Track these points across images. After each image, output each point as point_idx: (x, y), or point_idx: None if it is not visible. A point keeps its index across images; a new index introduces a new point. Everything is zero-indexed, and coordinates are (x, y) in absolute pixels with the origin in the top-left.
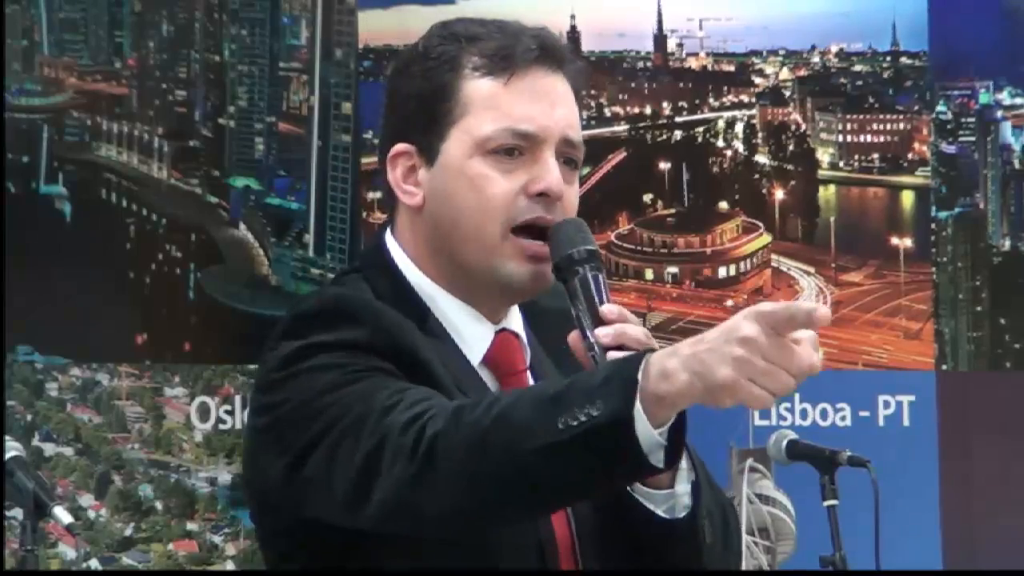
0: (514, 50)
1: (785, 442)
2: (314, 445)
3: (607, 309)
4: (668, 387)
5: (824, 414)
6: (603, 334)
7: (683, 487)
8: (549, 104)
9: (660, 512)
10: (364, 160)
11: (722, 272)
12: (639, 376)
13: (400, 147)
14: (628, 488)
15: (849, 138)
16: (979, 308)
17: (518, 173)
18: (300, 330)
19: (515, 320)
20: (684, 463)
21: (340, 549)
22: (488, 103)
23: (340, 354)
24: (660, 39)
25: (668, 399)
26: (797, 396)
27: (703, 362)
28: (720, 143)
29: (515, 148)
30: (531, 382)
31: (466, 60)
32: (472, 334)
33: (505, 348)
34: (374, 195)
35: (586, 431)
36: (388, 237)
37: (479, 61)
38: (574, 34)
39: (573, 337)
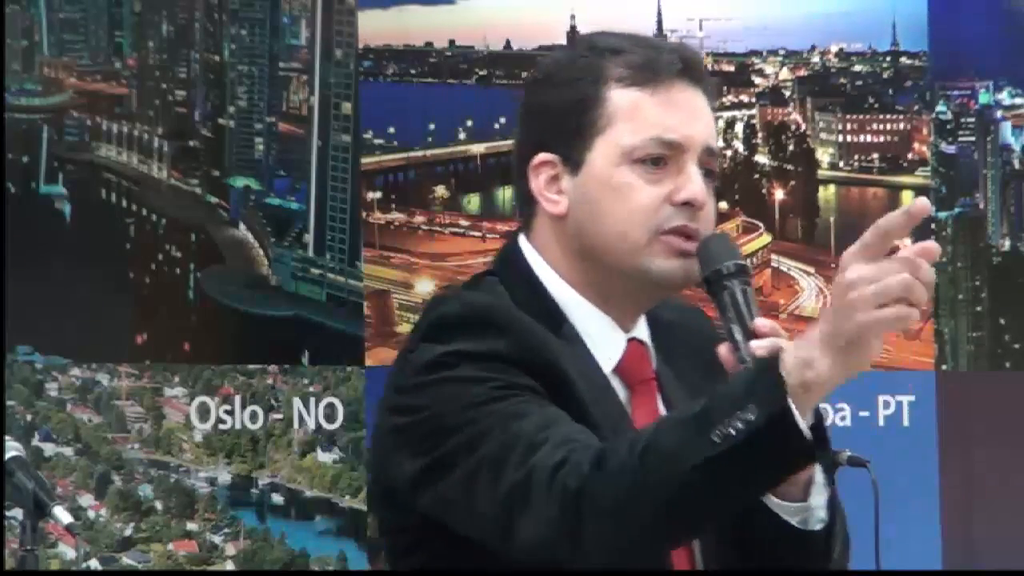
0: (658, 62)
1: None
2: (452, 463)
3: (760, 323)
4: (813, 374)
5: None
6: (757, 347)
7: (818, 500)
8: (692, 115)
9: (794, 523)
10: (364, 160)
11: None
12: (782, 372)
13: (543, 156)
14: (762, 499)
15: (849, 138)
16: (979, 308)
17: (663, 182)
18: (443, 335)
19: (643, 329)
20: (819, 476)
21: (462, 550)
22: (634, 113)
23: (484, 366)
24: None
25: (815, 387)
26: None
27: (834, 332)
28: (720, 143)
29: (660, 157)
30: (657, 392)
31: (611, 71)
32: (606, 342)
33: (636, 356)
34: (374, 195)
35: (747, 438)
36: (524, 242)
37: (624, 72)
38: (574, 34)
39: (724, 350)
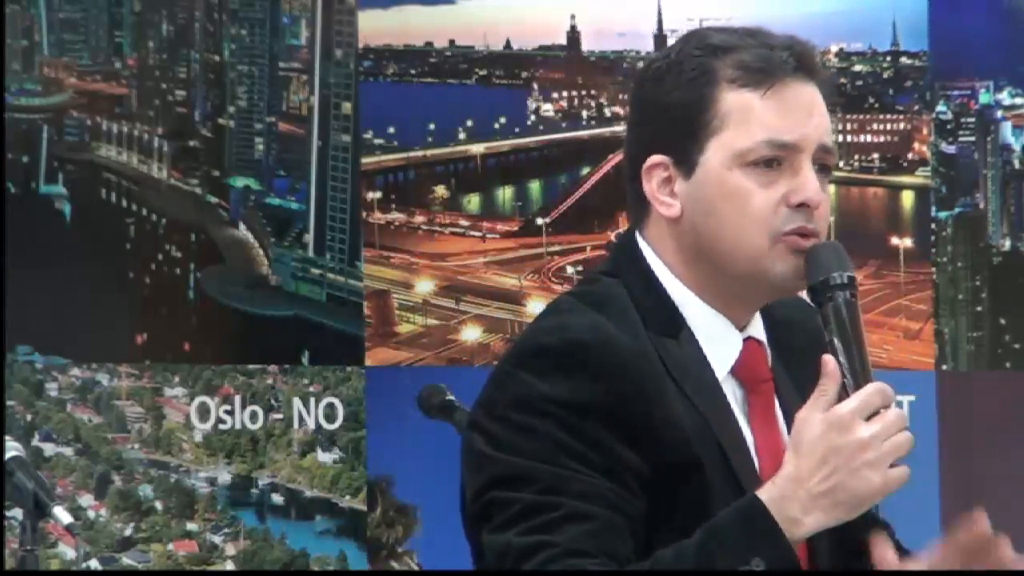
0: (771, 61)
1: None
2: (500, 508)
3: (826, 360)
4: (803, 532)
5: None
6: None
7: None
8: (806, 113)
9: None
10: (364, 160)
11: None
12: (778, 526)
13: (656, 158)
14: None
15: (849, 138)
16: (979, 308)
17: (778, 184)
18: (539, 368)
19: (759, 327)
20: None
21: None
22: (747, 115)
23: (570, 422)
24: (660, 39)
25: (800, 539)
26: None
27: (839, 489)
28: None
29: (774, 159)
30: (774, 393)
31: (723, 72)
32: (722, 343)
33: (752, 356)
34: (374, 195)
35: None
36: (641, 241)
37: (736, 73)
38: (574, 34)
39: (828, 359)
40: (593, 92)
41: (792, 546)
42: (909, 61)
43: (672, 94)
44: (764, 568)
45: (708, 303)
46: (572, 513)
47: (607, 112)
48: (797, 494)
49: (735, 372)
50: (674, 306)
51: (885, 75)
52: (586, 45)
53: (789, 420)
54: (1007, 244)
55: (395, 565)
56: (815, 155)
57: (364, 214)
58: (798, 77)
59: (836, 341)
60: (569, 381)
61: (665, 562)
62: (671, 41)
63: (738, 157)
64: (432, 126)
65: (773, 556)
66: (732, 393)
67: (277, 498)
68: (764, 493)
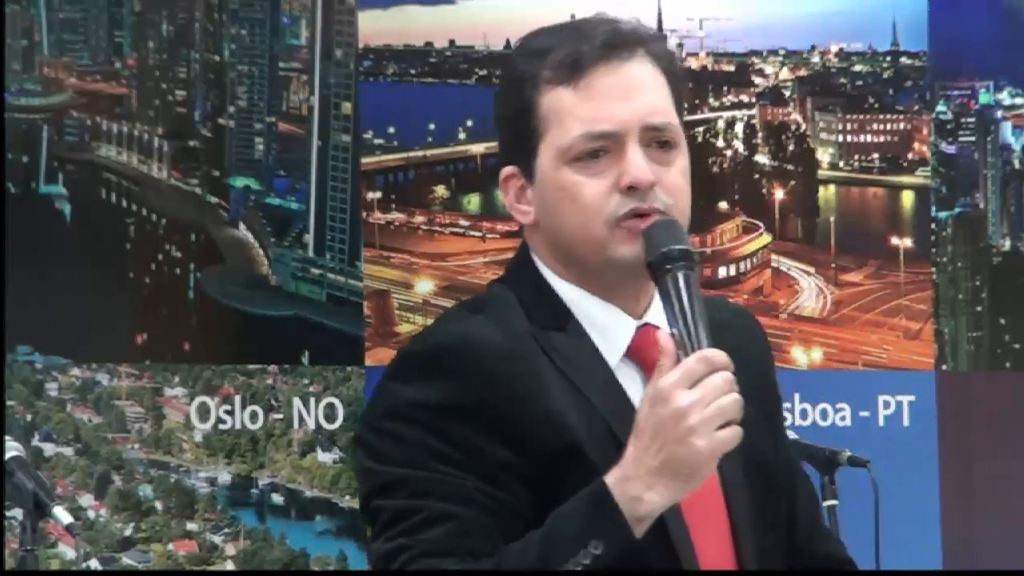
0: (579, 53)
1: None
2: (376, 516)
3: (663, 338)
4: (646, 509)
5: (824, 414)
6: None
7: None
8: (622, 97)
9: None
10: (364, 160)
11: (722, 272)
12: (619, 506)
13: (507, 170)
14: None
15: (849, 138)
16: (979, 308)
17: (607, 172)
18: (405, 374)
19: (658, 313)
20: None
21: None
22: (563, 112)
23: (434, 425)
24: None
25: (648, 517)
26: (797, 396)
27: (670, 462)
28: (720, 143)
29: (598, 150)
30: None
31: (541, 74)
32: (614, 331)
33: (648, 341)
34: (374, 195)
35: (596, 570)
36: (529, 246)
37: (550, 73)
38: None
39: (663, 334)
40: None
41: (630, 526)
42: (909, 61)
43: (506, 106)
44: (602, 551)
45: (593, 294)
46: (435, 515)
47: None
48: (637, 472)
49: (632, 357)
50: (560, 301)
51: (885, 75)
52: None
53: None
54: (1007, 244)
55: None
56: (643, 135)
57: (364, 214)
58: (612, 60)
59: (670, 314)
60: (432, 385)
61: (513, 551)
62: (671, 41)
63: (562, 155)
64: (432, 126)
65: (612, 538)
66: (631, 378)
67: (277, 498)
68: (610, 476)
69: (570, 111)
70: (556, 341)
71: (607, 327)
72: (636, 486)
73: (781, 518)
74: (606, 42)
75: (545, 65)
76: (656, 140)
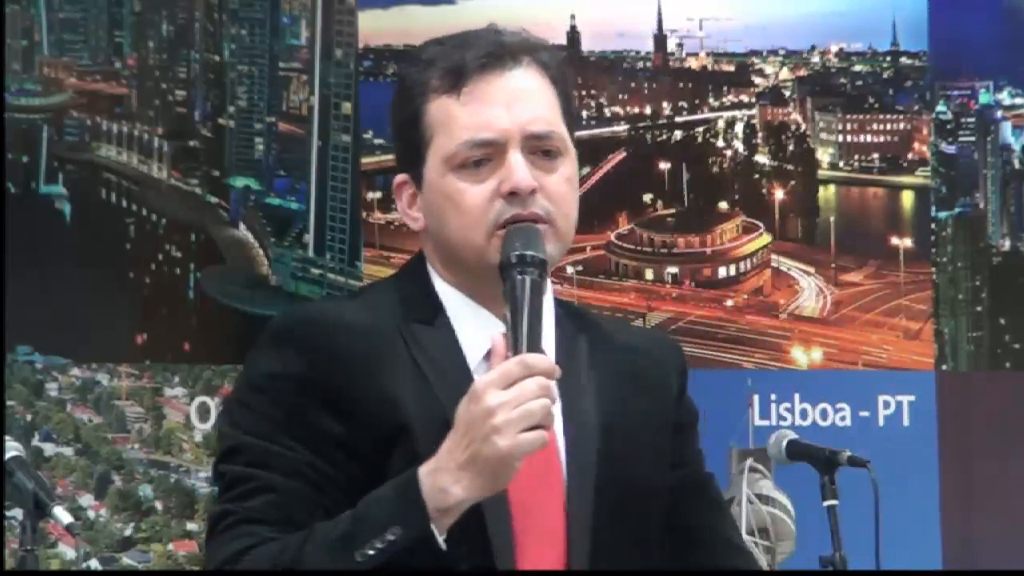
0: (464, 62)
1: (785, 442)
2: (218, 479)
3: (496, 340)
4: (452, 501)
5: (824, 414)
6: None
7: None
8: (504, 105)
9: None
10: (364, 160)
11: (722, 272)
12: (423, 496)
13: (399, 178)
14: None
15: (849, 138)
16: (979, 308)
17: (489, 179)
18: (260, 346)
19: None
20: None
21: None
22: (447, 121)
23: (274, 395)
24: (660, 39)
25: (454, 509)
26: (797, 396)
27: (474, 458)
28: (720, 143)
29: (480, 158)
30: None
31: (429, 83)
32: (480, 332)
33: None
34: (374, 195)
35: (390, 557)
36: (424, 248)
37: (437, 82)
38: (574, 34)
39: (496, 336)
40: (593, 92)
41: (430, 517)
42: (909, 61)
43: (397, 115)
44: (399, 536)
45: (471, 297)
46: (263, 485)
47: (607, 112)
48: (447, 465)
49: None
50: (437, 300)
51: (885, 75)
52: (586, 45)
53: (574, 418)
54: (1007, 244)
55: None
56: (525, 144)
57: (364, 214)
58: (495, 69)
59: (507, 316)
60: (281, 357)
61: (323, 527)
62: (671, 41)
63: (447, 162)
64: None
65: (411, 526)
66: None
67: None
68: (425, 465)
69: (454, 119)
70: (420, 334)
71: (475, 328)
72: (444, 478)
73: (650, 542)
74: (490, 52)
75: (432, 74)
76: (540, 148)
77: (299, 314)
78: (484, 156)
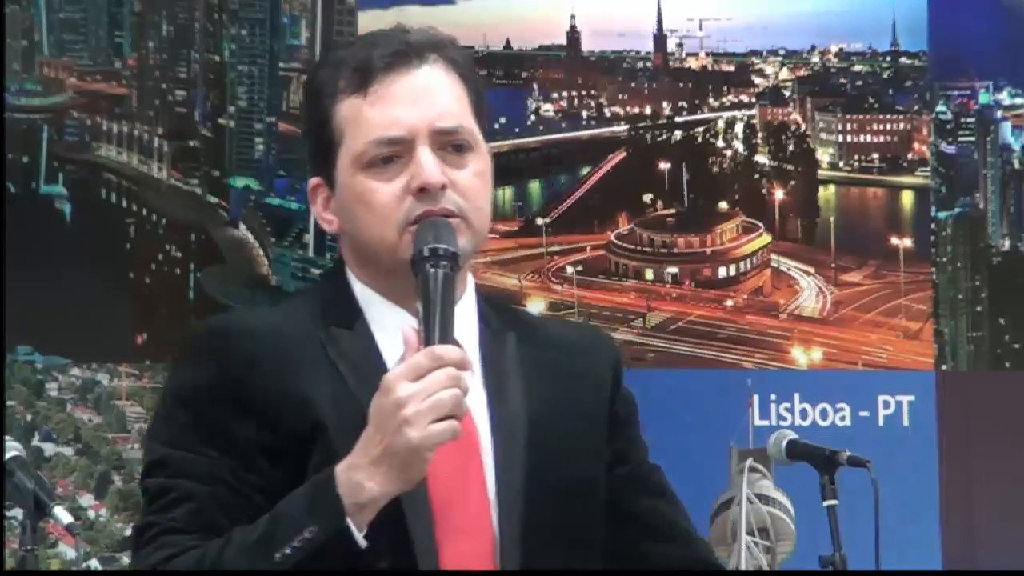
0: (369, 61)
1: (785, 442)
2: (144, 494)
3: (406, 332)
4: (367, 496)
5: (824, 414)
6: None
7: None
8: (410, 102)
9: None
10: None
11: (722, 272)
12: (339, 492)
13: (313, 181)
14: None
15: (849, 138)
16: (979, 308)
17: (399, 177)
18: (181, 356)
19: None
20: None
21: None
22: (355, 121)
23: (191, 405)
24: (660, 39)
25: (371, 504)
26: (797, 396)
27: (387, 452)
28: (720, 143)
29: (389, 155)
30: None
31: (336, 84)
32: (397, 331)
33: None
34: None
35: (308, 555)
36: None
37: (344, 82)
38: (574, 34)
39: (407, 329)
40: (593, 92)
41: (345, 513)
42: (909, 61)
43: (308, 118)
44: (315, 534)
45: (386, 297)
46: (184, 494)
47: (607, 112)
48: (362, 461)
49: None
50: (355, 302)
51: (885, 75)
52: (586, 45)
53: (499, 414)
54: (1007, 244)
55: None
56: (434, 139)
57: None
58: (400, 67)
59: (419, 310)
60: (197, 367)
61: (244, 530)
62: (671, 41)
63: (356, 162)
64: None
65: (327, 523)
66: None
67: None
68: (342, 462)
69: (362, 119)
70: (338, 336)
71: (393, 328)
72: (359, 474)
73: (587, 535)
74: (396, 50)
75: (340, 76)
76: (450, 144)
77: (214, 325)
78: (393, 154)
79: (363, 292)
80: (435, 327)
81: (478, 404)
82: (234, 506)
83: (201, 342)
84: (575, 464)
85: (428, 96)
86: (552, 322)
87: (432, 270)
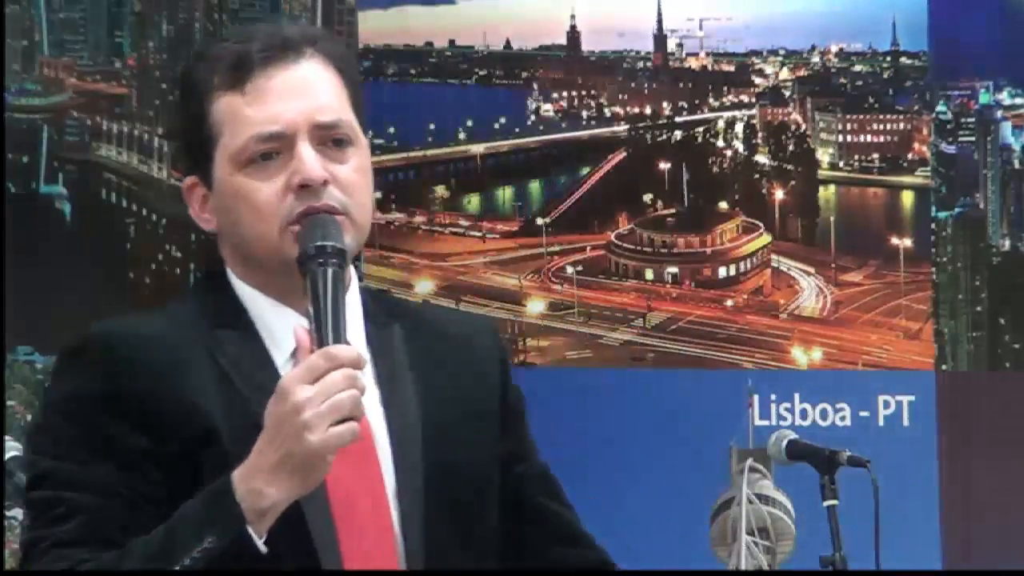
0: (245, 57)
1: (785, 442)
2: (29, 509)
3: (298, 332)
4: (268, 503)
5: (824, 414)
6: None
7: None
8: (289, 98)
9: None
10: None
11: (722, 272)
12: (237, 500)
13: (188, 180)
14: None
15: (849, 138)
16: (979, 308)
17: (279, 174)
18: (59, 366)
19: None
20: None
21: None
22: (233, 118)
23: (74, 415)
24: (660, 39)
25: (271, 511)
26: (797, 396)
27: (286, 457)
28: (720, 143)
29: (269, 152)
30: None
31: (212, 81)
32: (284, 332)
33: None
34: (374, 195)
35: (209, 563)
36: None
37: (219, 79)
38: (574, 34)
39: (298, 329)
40: (593, 92)
41: (246, 520)
42: (909, 61)
43: (181, 116)
44: (215, 544)
45: (270, 296)
46: (73, 507)
47: (607, 112)
48: (260, 467)
49: (302, 359)
50: (238, 303)
51: (885, 75)
52: (586, 45)
53: (395, 412)
54: (1007, 244)
55: None
56: (314, 135)
57: None
58: (278, 62)
59: (309, 310)
60: (78, 377)
61: (141, 542)
62: (671, 41)
63: (234, 159)
64: (432, 126)
65: (227, 531)
66: None
67: None
68: (239, 469)
69: (239, 116)
70: (224, 339)
71: (279, 328)
72: (258, 480)
73: (486, 531)
74: (270, 44)
75: (214, 72)
76: (330, 138)
77: (96, 332)
78: (272, 150)
79: (246, 293)
80: (328, 326)
81: (371, 401)
82: (126, 517)
83: (81, 350)
84: (472, 460)
85: (306, 91)
86: (434, 310)
87: (321, 268)
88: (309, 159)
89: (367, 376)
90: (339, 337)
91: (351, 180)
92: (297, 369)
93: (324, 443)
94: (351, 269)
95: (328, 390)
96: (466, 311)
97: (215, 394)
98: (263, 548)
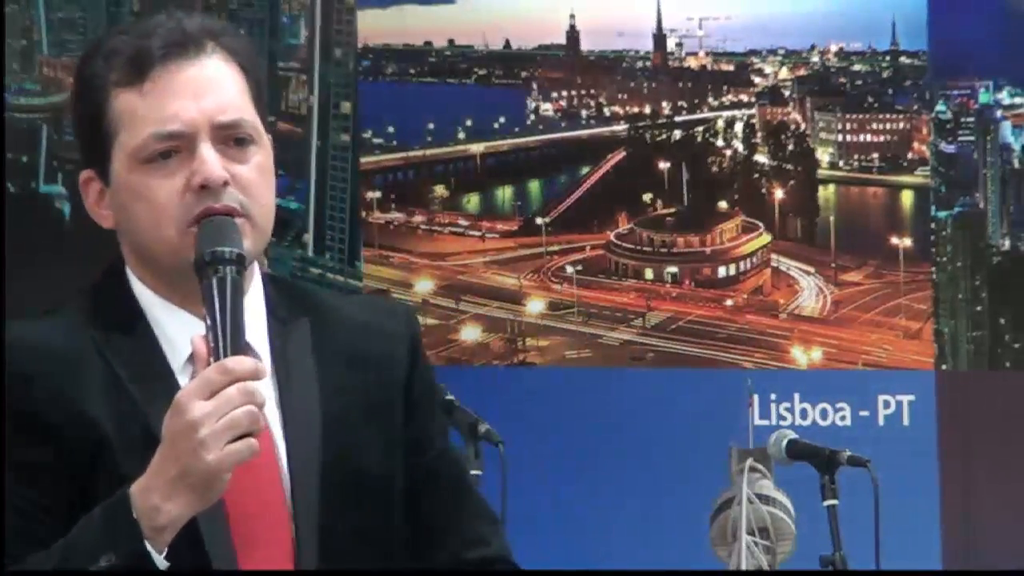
0: (144, 53)
1: (785, 442)
2: None
3: (195, 342)
4: (165, 519)
5: (824, 414)
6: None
7: None
8: (190, 96)
9: None
10: (363, 160)
11: (722, 272)
12: (135, 516)
13: (85, 174)
14: None
15: (849, 138)
16: (979, 308)
17: (179, 173)
18: None
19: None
20: None
21: None
22: (131, 115)
23: None
24: (659, 38)
25: (169, 527)
26: (797, 396)
27: (183, 474)
28: (720, 143)
29: (168, 150)
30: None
31: (109, 76)
32: (182, 335)
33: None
34: (373, 195)
35: None
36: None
37: (118, 75)
38: (573, 34)
39: (196, 338)
40: (592, 92)
41: (144, 537)
42: (909, 61)
43: (78, 110)
44: (113, 562)
45: (167, 298)
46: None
47: (607, 112)
48: (157, 483)
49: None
50: (135, 305)
51: (885, 75)
52: (586, 45)
53: (296, 410)
54: (1007, 244)
55: None
56: (215, 134)
57: (364, 214)
58: (178, 59)
59: (207, 320)
60: None
61: (38, 558)
62: (671, 41)
63: (133, 157)
64: (431, 126)
65: (127, 549)
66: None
67: None
68: (136, 484)
69: (138, 113)
70: (118, 344)
71: (176, 331)
72: (155, 496)
73: (389, 534)
74: (170, 40)
75: (113, 67)
76: (232, 137)
77: None
78: (172, 148)
79: (143, 292)
80: (225, 337)
81: (270, 405)
82: (24, 531)
83: None
84: (372, 460)
85: (208, 88)
86: (350, 301)
87: (217, 275)
88: (209, 159)
89: (266, 379)
90: (237, 347)
91: (251, 180)
92: (193, 383)
93: (220, 461)
94: (255, 264)
95: (224, 407)
96: (380, 297)
97: (108, 404)
98: (163, 564)
